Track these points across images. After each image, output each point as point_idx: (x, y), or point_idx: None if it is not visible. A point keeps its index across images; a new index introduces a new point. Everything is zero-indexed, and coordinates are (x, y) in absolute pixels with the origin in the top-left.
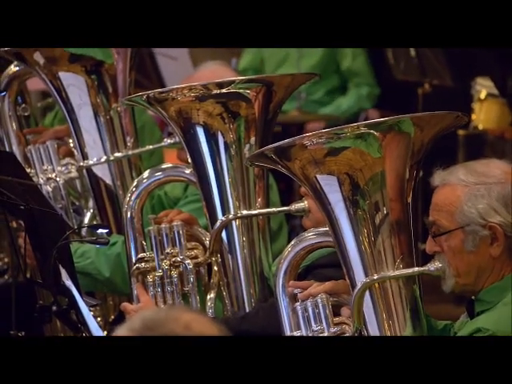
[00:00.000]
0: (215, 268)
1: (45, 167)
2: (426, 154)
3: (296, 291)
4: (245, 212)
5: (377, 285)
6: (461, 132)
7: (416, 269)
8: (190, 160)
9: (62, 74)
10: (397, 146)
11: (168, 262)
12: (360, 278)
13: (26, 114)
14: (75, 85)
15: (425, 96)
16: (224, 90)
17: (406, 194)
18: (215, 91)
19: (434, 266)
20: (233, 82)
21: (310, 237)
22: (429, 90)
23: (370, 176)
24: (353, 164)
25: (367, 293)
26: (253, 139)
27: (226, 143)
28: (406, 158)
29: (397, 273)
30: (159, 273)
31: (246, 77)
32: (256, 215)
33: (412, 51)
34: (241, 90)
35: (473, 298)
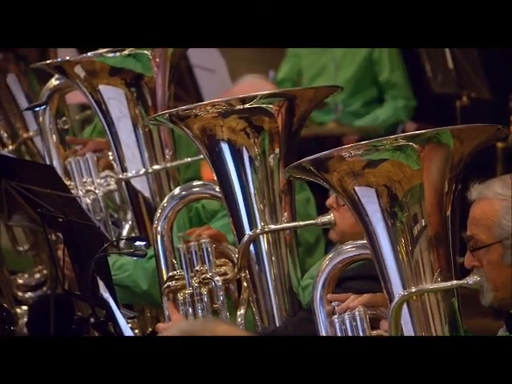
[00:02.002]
0: (244, 284)
1: (84, 180)
2: (465, 167)
3: (334, 304)
4: (272, 226)
5: (415, 298)
6: (499, 145)
7: (454, 282)
8: (215, 177)
9: (102, 87)
10: (436, 159)
11: (197, 280)
12: (398, 290)
13: (66, 126)
14: (115, 98)
15: (463, 109)
16: (247, 106)
17: (444, 207)
18: (238, 107)
19: (472, 279)
20: (255, 97)
21: (348, 249)
22: (467, 102)
23: (408, 188)
24: (391, 176)
25: (405, 306)
26: (277, 151)
27: (250, 157)
28: (445, 171)
29: (435, 286)
30: (189, 290)
31: (268, 91)
32: (283, 229)
33: (450, 64)
34: (263, 105)
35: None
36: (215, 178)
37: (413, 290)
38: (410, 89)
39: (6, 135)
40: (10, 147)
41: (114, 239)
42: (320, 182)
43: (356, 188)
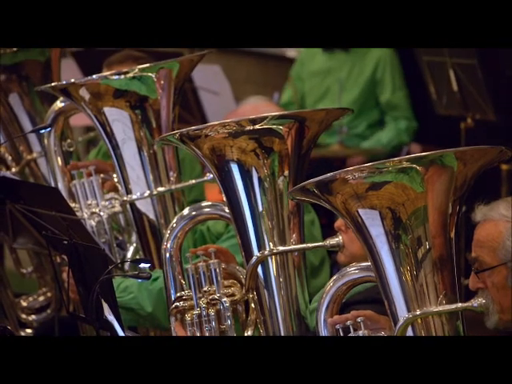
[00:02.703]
0: (252, 305)
1: (89, 202)
2: (469, 189)
3: (337, 327)
4: (280, 248)
5: (419, 320)
6: (504, 167)
7: (459, 305)
8: (224, 197)
9: (106, 110)
10: (439, 181)
11: (205, 300)
12: (402, 313)
13: (70, 149)
14: (120, 120)
15: (467, 131)
16: (257, 126)
17: (448, 228)
18: (248, 127)
19: (477, 301)
20: (265, 118)
21: (352, 272)
22: (471, 124)
23: (412, 210)
24: (395, 198)
25: (409, 328)
26: (286, 173)
27: (259, 178)
28: (448, 193)
29: (440, 308)
30: (197, 311)
31: (279, 113)
32: (291, 251)
33: (454, 86)
34: (273, 126)
35: None
36: (224, 198)
37: (417, 313)
38: (411, 110)
39: (10, 158)
40: (13, 169)
41: (119, 261)
42: (323, 204)
43: (360, 210)
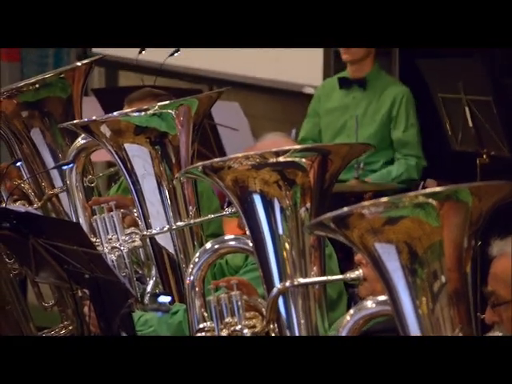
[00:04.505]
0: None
1: (109, 236)
2: (484, 224)
3: None
4: (301, 280)
5: None
6: None
7: None
8: (246, 228)
9: (127, 146)
10: (455, 216)
11: (227, 332)
12: None
13: (91, 184)
14: (140, 156)
15: (483, 167)
16: (280, 159)
17: (464, 263)
18: (271, 160)
19: (493, 336)
20: (288, 150)
21: (369, 306)
22: (487, 160)
23: (428, 245)
24: (411, 233)
25: None
26: (308, 205)
27: (281, 208)
28: (464, 228)
29: None
30: None
31: (302, 146)
32: (312, 283)
33: (469, 122)
34: (296, 159)
35: None
36: (247, 229)
37: None
38: (420, 148)
39: (33, 194)
40: (35, 205)
41: (139, 295)
42: (340, 238)
43: (376, 244)
